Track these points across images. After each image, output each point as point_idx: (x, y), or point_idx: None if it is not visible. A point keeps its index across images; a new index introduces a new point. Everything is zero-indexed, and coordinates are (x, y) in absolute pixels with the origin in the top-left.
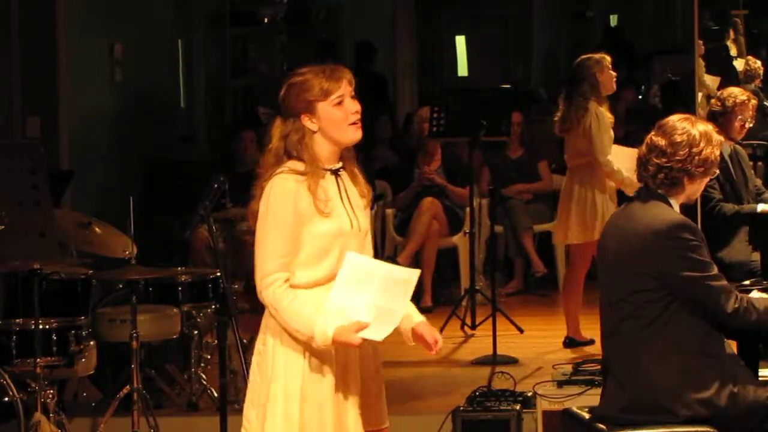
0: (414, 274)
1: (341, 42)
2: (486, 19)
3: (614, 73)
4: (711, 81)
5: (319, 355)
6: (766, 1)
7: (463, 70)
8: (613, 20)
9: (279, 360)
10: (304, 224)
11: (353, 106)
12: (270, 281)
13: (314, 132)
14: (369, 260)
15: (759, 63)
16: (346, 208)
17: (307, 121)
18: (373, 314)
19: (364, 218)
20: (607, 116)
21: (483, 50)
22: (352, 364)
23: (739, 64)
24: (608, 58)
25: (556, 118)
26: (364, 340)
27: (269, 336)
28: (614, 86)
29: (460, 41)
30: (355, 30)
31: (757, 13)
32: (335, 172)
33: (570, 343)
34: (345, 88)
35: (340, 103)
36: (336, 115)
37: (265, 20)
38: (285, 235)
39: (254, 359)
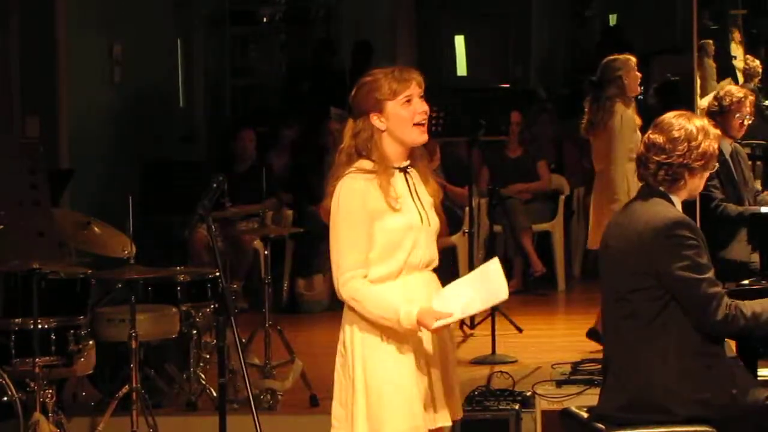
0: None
1: (340, 42)
2: (485, 19)
3: (639, 75)
4: None
5: (399, 348)
6: (765, 0)
7: (462, 69)
8: (612, 20)
9: (358, 359)
10: (374, 220)
11: (421, 107)
12: (348, 277)
13: (382, 131)
14: (500, 271)
15: (758, 62)
16: (416, 203)
17: (375, 120)
18: (460, 308)
19: (433, 215)
20: (634, 119)
21: (482, 50)
22: (431, 357)
23: (738, 64)
24: (633, 59)
25: (582, 121)
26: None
27: (348, 336)
28: (638, 88)
29: (459, 41)
30: (355, 30)
31: (756, 13)
32: (403, 170)
33: (593, 334)
34: (414, 88)
35: (408, 102)
36: (403, 114)
37: (265, 20)
38: (357, 232)
39: (337, 360)
